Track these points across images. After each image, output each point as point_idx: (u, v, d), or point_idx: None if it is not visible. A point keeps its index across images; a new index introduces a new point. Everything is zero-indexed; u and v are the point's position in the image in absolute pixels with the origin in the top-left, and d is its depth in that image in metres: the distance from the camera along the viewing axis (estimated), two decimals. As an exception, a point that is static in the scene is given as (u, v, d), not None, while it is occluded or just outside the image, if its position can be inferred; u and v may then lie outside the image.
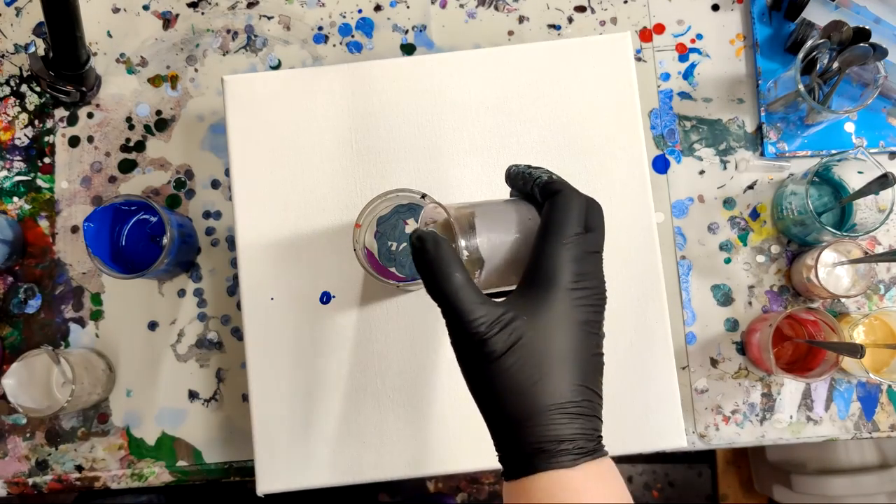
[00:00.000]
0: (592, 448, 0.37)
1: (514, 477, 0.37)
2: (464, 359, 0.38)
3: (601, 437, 0.38)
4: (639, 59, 0.71)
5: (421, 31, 0.72)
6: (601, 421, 0.38)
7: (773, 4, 0.71)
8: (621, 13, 0.72)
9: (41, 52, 0.67)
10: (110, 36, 0.73)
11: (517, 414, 0.36)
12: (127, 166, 0.70)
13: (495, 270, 0.41)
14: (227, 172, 0.70)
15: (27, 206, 0.70)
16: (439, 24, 0.72)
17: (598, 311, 0.39)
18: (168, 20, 0.73)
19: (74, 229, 0.69)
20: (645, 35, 0.72)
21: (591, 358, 0.38)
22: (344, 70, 0.60)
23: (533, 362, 0.36)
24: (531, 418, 0.36)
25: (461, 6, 0.72)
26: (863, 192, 0.61)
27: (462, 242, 0.39)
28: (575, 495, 0.36)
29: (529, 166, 0.43)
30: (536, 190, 0.41)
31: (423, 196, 0.52)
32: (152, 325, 0.68)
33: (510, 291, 0.41)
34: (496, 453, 0.39)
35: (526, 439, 0.36)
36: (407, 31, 0.72)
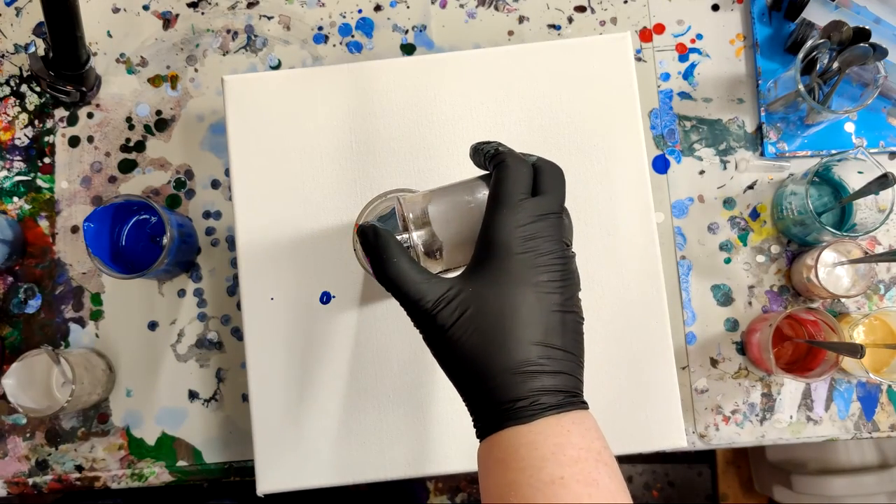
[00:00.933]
0: (556, 403, 0.37)
1: (482, 438, 0.39)
2: (424, 336, 0.40)
3: (574, 392, 0.39)
4: (639, 59, 0.71)
5: (421, 31, 0.72)
6: (575, 377, 0.39)
7: (773, 4, 0.71)
8: (621, 13, 0.72)
9: (41, 52, 0.67)
10: (110, 36, 0.73)
11: (474, 379, 0.38)
12: (127, 166, 0.70)
13: (455, 249, 0.42)
14: (227, 172, 0.70)
15: (27, 206, 0.70)
16: (439, 24, 0.72)
17: (552, 269, 0.39)
18: (168, 20, 0.73)
19: (74, 229, 0.69)
20: (645, 35, 0.72)
21: (551, 316, 0.39)
22: (344, 70, 0.60)
23: (483, 329, 0.38)
24: (486, 381, 0.38)
25: (461, 6, 0.72)
26: (863, 192, 0.61)
27: (419, 231, 0.41)
28: (530, 448, 0.36)
29: (483, 142, 0.44)
30: (488, 163, 0.42)
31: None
32: (152, 325, 0.68)
33: None
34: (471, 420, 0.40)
35: (485, 401, 0.38)
36: (407, 31, 0.72)
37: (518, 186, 0.40)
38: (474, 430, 0.40)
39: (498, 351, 0.38)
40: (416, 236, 0.42)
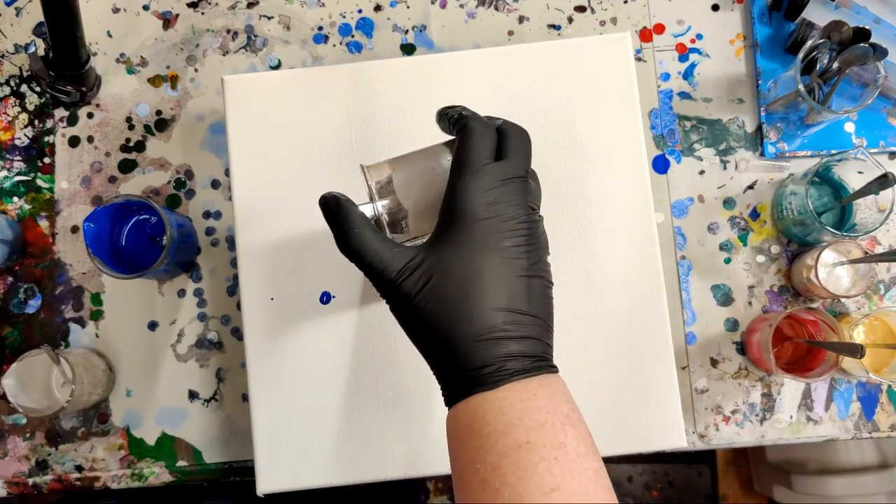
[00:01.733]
0: (521, 368, 0.38)
1: (449, 406, 0.39)
2: (390, 306, 0.40)
3: (540, 356, 0.39)
4: (639, 59, 0.71)
5: (421, 31, 0.72)
6: (542, 342, 0.39)
7: (773, 4, 0.71)
8: (621, 13, 0.72)
9: (41, 52, 0.67)
10: (110, 36, 0.73)
11: (440, 347, 0.38)
12: (127, 166, 0.70)
13: (422, 217, 0.42)
14: (227, 172, 0.70)
15: (27, 206, 0.70)
16: (439, 24, 0.72)
17: (517, 235, 0.39)
18: (168, 20, 0.73)
19: (74, 229, 0.69)
20: (645, 35, 0.72)
21: (517, 281, 0.38)
22: (344, 70, 0.60)
23: (447, 297, 0.38)
24: (451, 349, 0.37)
25: (461, 6, 0.72)
26: (863, 192, 0.61)
27: (384, 200, 0.41)
28: (496, 412, 0.36)
29: (450, 106, 0.43)
30: (453, 128, 0.42)
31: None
32: (152, 325, 0.68)
33: None
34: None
35: (450, 369, 0.38)
36: (407, 31, 0.72)
37: (481, 151, 0.39)
38: (443, 398, 0.40)
39: (463, 318, 0.37)
40: (381, 206, 0.41)
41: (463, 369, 0.38)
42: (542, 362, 0.38)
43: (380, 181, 0.41)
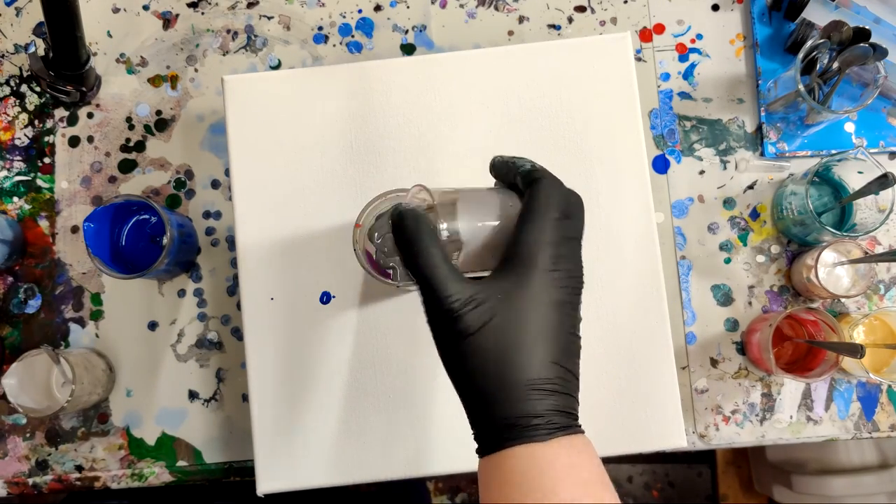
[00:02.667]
0: (566, 424, 0.38)
1: (487, 453, 0.38)
2: (438, 335, 0.39)
3: (576, 415, 0.39)
4: (639, 59, 0.71)
5: (421, 31, 0.72)
6: (577, 400, 0.39)
7: (773, 4, 0.71)
8: (621, 13, 0.72)
9: (41, 52, 0.67)
10: (110, 36, 0.73)
11: (490, 390, 0.37)
12: (127, 166, 0.70)
13: (474, 254, 0.41)
14: (227, 172, 0.70)
15: (27, 206, 0.70)
16: (439, 24, 0.72)
17: (574, 293, 0.40)
18: (168, 20, 0.73)
19: (74, 229, 0.69)
20: (645, 35, 0.72)
21: (567, 337, 0.39)
22: (344, 70, 0.60)
23: (507, 340, 0.37)
24: (503, 394, 0.37)
25: (461, 6, 0.72)
26: (863, 192, 0.61)
27: (443, 224, 0.40)
28: (546, 467, 0.36)
29: (513, 157, 0.44)
30: (519, 179, 0.42)
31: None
32: (152, 325, 0.68)
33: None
34: (471, 431, 0.40)
35: (498, 415, 0.37)
36: (407, 31, 0.72)
37: (554, 206, 0.40)
38: (476, 443, 0.39)
39: (521, 364, 0.37)
40: (443, 229, 0.40)
41: (511, 416, 0.37)
42: (577, 420, 0.39)
43: (445, 209, 0.41)
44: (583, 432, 0.39)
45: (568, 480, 0.36)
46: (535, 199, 0.40)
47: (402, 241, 0.39)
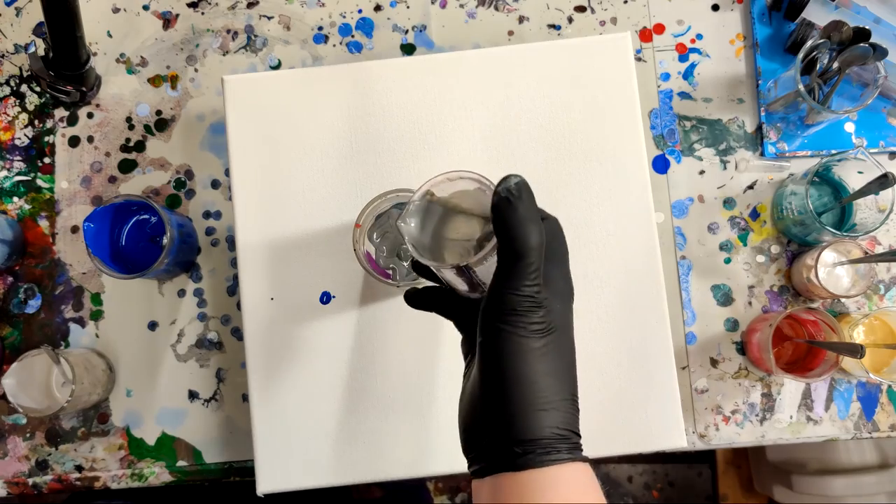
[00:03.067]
0: (576, 448, 0.38)
1: (494, 472, 0.37)
2: (501, 328, 0.37)
3: (580, 444, 0.39)
4: (639, 59, 0.71)
5: (421, 31, 0.72)
6: (578, 434, 0.39)
7: (773, 4, 0.71)
8: (621, 13, 0.72)
9: (41, 52, 0.66)
10: (110, 36, 0.73)
11: (519, 405, 0.36)
12: (127, 166, 0.70)
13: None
14: (227, 172, 0.70)
15: (27, 206, 0.70)
16: (439, 24, 0.72)
17: (570, 315, 0.42)
18: (168, 20, 0.73)
19: (74, 229, 0.69)
20: (645, 35, 0.72)
21: (574, 367, 0.40)
22: (344, 70, 0.60)
23: (559, 356, 0.38)
24: (531, 412, 0.36)
25: (461, 6, 0.72)
26: (863, 192, 0.61)
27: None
28: (571, 491, 0.36)
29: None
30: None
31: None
32: (152, 325, 0.68)
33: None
34: (468, 449, 0.39)
35: (520, 433, 0.36)
36: (407, 31, 0.72)
37: (562, 240, 0.43)
38: (473, 461, 0.38)
39: (563, 382, 0.37)
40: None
41: (536, 437, 0.36)
42: (581, 450, 0.39)
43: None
44: (588, 460, 0.39)
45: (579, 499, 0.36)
46: (554, 237, 0.42)
47: (515, 216, 0.37)
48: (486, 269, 0.39)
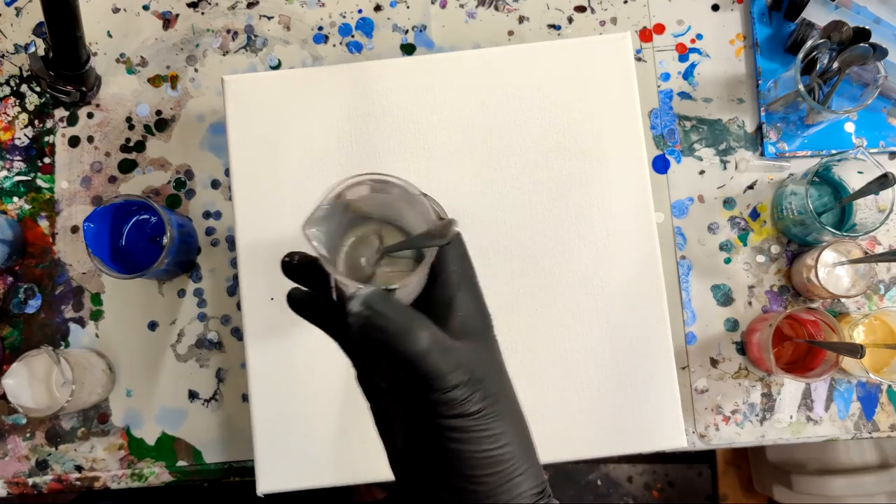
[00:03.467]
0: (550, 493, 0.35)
1: None
2: (430, 423, 0.33)
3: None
4: (639, 59, 0.71)
5: (421, 31, 0.72)
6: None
7: (773, 4, 0.71)
8: (621, 13, 0.72)
9: (41, 52, 0.66)
10: (110, 36, 0.73)
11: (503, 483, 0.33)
12: (127, 166, 0.70)
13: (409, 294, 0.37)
14: (227, 172, 0.70)
15: (27, 206, 0.70)
16: (439, 24, 0.72)
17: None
18: (168, 20, 0.73)
19: (74, 229, 0.69)
20: (645, 35, 0.72)
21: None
22: (344, 70, 0.60)
23: (507, 418, 0.34)
24: (505, 472, 0.33)
25: (461, 6, 0.72)
26: (863, 192, 0.61)
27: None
28: None
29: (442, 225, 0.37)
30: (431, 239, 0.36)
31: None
32: (152, 325, 0.68)
33: None
34: None
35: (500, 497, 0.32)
36: (407, 31, 0.72)
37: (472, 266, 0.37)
38: None
39: (517, 448, 0.33)
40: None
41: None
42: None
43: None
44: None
45: None
46: (459, 260, 0.36)
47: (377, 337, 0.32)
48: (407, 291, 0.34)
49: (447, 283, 0.35)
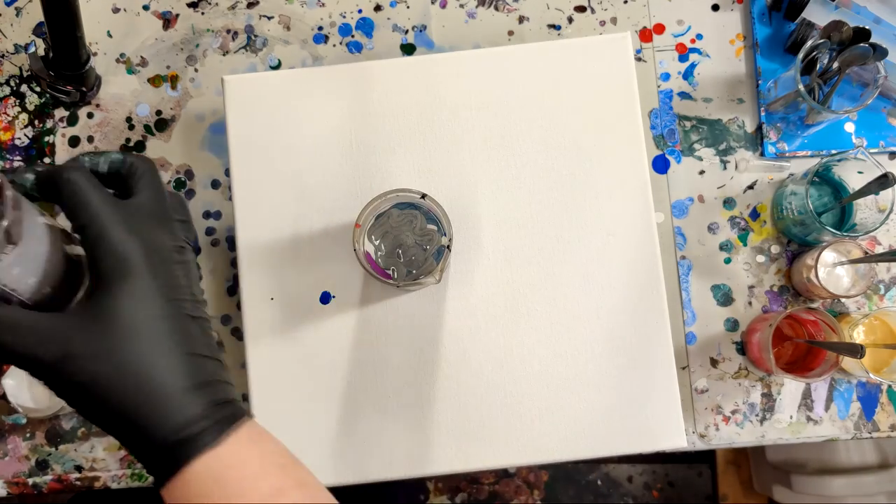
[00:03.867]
0: (230, 414, 0.35)
1: (166, 480, 0.33)
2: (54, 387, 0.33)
3: (233, 400, 0.36)
4: (639, 59, 0.71)
5: (421, 31, 0.72)
6: (229, 384, 0.36)
7: (773, 4, 0.71)
8: (621, 13, 0.72)
9: (41, 52, 0.66)
10: (110, 36, 0.73)
11: (136, 413, 0.33)
12: (127, 166, 0.70)
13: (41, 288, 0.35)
14: (227, 172, 0.70)
15: (27, 206, 0.70)
16: (439, 24, 0.72)
17: (174, 274, 0.36)
18: (168, 20, 0.73)
19: (74, 229, 0.69)
20: (645, 35, 0.72)
21: (191, 323, 0.35)
22: (344, 70, 0.60)
23: (123, 361, 0.33)
24: (154, 411, 0.33)
25: (461, 6, 0.72)
26: (863, 192, 0.61)
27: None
28: (236, 468, 0.34)
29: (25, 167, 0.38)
30: (45, 187, 0.36)
31: (423, 196, 0.52)
32: (152, 325, 0.68)
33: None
34: (143, 469, 0.37)
35: (158, 436, 0.33)
36: (407, 31, 0.72)
37: (103, 197, 0.35)
38: (151, 475, 0.34)
39: (153, 375, 0.33)
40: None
41: (172, 431, 0.33)
42: (238, 406, 0.36)
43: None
44: (248, 417, 0.36)
45: (263, 472, 0.34)
46: (78, 203, 0.35)
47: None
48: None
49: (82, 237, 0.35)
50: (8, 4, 0.73)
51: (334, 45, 0.72)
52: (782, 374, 0.60)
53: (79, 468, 0.67)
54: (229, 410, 0.35)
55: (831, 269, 0.65)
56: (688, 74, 0.71)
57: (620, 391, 0.57)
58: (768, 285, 0.68)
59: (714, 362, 0.68)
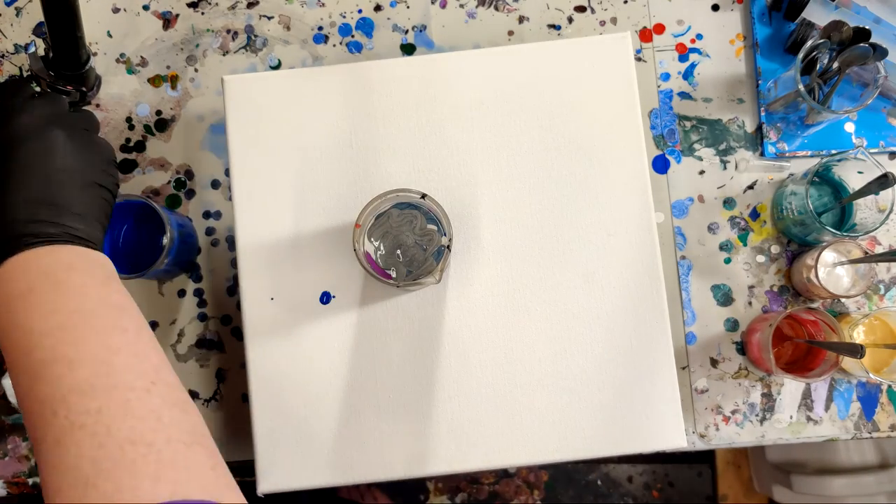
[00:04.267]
0: (86, 237, 0.47)
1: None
2: None
3: (85, 239, 0.47)
4: (639, 59, 0.71)
5: (421, 31, 0.72)
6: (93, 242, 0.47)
7: (773, 4, 0.71)
8: (621, 13, 0.72)
9: (41, 52, 0.66)
10: (110, 36, 0.73)
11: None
12: (127, 166, 0.70)
13: None
14: (227, 172, 0.70)
15: (27, 206, 0.70)
16: (439, 24, 0.72)
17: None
18: (168, 20, 0.73)
19: (74, 229, 0.69)
20: (645, 35, 0.72)
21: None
22: (344, 70, 0.60)
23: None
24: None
25: (461, 6, 0.72)
26: (863, 192, 0.61)
27: None
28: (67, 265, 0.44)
29: None
30: None
31: (423, 196, 0.52)
32: (152, 325, 0.68)
33: None
34: None
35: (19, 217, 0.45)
36: (407, 31, 0.72)
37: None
38: None
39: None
40: None
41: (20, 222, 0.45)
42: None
43: None
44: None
45: (87, 274, 0.44)
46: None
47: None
48: None
49: None
50: (8, 4, 0.73)
51: (334, 45, 0.72)
52: (782, 374, 0.60)
53: (79, 468, 0.67)
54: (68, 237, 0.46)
55: (831, 269, 0.65)
56: (688, 74, 0.71)
57: (620, 391, 0.57)
58: (768, 285, 0.68)
59: (714, 362, 0.68)
